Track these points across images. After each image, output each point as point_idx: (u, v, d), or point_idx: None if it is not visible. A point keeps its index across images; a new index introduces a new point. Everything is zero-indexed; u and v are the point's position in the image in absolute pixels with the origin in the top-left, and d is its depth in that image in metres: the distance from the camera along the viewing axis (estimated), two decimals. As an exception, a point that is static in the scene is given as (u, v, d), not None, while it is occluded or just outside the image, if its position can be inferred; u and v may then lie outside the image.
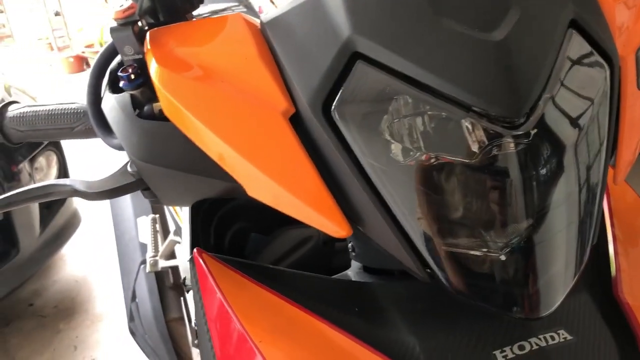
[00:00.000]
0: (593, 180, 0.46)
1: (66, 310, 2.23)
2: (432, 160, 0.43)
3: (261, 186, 0.46)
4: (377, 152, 0.43)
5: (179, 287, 1.47)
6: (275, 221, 0.83)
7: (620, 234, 0.57)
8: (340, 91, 0.42)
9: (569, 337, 0.48)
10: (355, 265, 0.59)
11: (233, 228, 0.83)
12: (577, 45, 0.45)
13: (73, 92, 5.22)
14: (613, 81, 0.47)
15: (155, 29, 0.51)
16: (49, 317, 2.21)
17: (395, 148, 0.43)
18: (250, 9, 1.73)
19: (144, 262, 1.55)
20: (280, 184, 0.45)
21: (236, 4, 1.64)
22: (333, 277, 0.56)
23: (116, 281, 1.73)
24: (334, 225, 0.45)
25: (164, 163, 0.48)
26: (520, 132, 0.40)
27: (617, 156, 0.49)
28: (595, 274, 0.54)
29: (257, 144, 0.45)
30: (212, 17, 0.50)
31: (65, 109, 0.58)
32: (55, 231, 2.10)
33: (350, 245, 0.59)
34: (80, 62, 5.69)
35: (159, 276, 1.48)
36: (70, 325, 2.14)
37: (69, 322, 2.16)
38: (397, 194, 0.44)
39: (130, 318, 1.49)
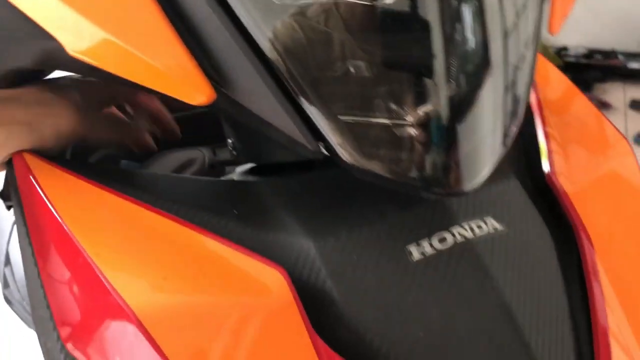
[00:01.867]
0: (523, 33, 0.36)
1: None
2: (328, 3, 0.31)
3: (86, 37, 0.33)
4: None
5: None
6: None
7: (551, 118, 0.48)
8: None
9: (498, 227, 0.39)
10: (240, 168, 0.47)
11: (96, 155, 0.68)
12: None
13: None
14: None
15: None
16: None
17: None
18: None
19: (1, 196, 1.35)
20: (112, 32, 0.32)
21: None
22: (207, 178, 0.43)
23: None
24: (189, 88, 0.33)
25: None
26: None
27: (552, 4, 0.39)
28: (525, 159, 0.46)
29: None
30: None
31: None
32: None
33: (230, 142, 0.47)
34: None
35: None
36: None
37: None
38: (283, 49, 0.32)
39: (5, 284, 1.31)
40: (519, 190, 0.42)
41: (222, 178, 0.46)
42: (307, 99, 0.33)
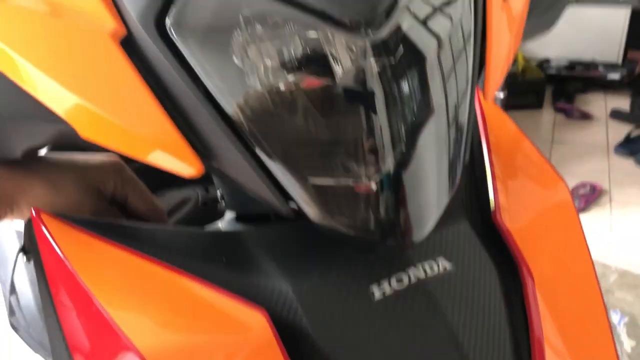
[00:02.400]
0: (461, 98, 0.43)
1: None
2: (289, 84, 0.38)
3: (93, 123, 0.40)
4: (224, 73, 0.38)
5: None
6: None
7: (498, 162, 0.55)
8: (175, 2, 0.36)
9: (448, 267, 0.46)
10: (227, 215, 0.54)
11: None
12: None
13: None
14: None
15: None
16: None
17: (247, 70, 0.38)
18: None
19: (22, 250, 1.42)
20: (114, 117, 0.39)
21: None
22: (198, 228, 0.50)
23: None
24: (182, 163, 0.40)
25: None
26: (376, 39, 0.36)
27: (486, 72, 0.46)
28: (474, 202, 0.52)
29: (83, 72, 0.38)
30: None
31: None
32: None
33: (219, 193, 0.53)
34: None
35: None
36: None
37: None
38: (250, 121, 0.39)
39: (11, 312, 1.36)
40: (468, 230, 0.49)
41: (211, 229, 0.52)
42: (275, 166, 0.40)
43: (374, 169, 0.40)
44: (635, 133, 2.75)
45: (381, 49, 0.37)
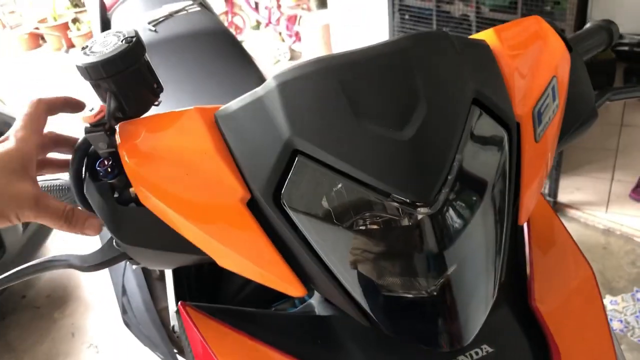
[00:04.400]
0: (499, 229, 0.56)
1: (59, 299, 2.33)
2: (362, 229, 0.52)
3: (229, 259, 0.56)
4: (319, 229, 0.53)
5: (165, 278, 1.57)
6: None
7: (536, 250, 0.68)
8: (286, 183, 0.52)
9: (490, 350, 0.59)
10: (317, 294, 0.69)
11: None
12: (479, 121, 0.54)
13: (32, 70, 5.13)
14: (511, 142, 0.57)
15: (123, 123, 0.59)
16: (43, 307, 2.31)
17: (334, 222, 0.53)
18: (205, 7, 1.76)
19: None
20: (244, 257, 0.55)
21: (190, 3, 1.67)
22: (298, 311, 0.66)
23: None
24: (291, 288, 0.55)
25: (145, 244, 0.57)
26: (430, 211, 0.50)
27: (520, 202, 0.59)
28: (514, 286, 0.65)
29: (221, 226, 0.54)
30: (171, 112, 0.58)
31: (50, 185, 0.67)
32: (36, 227, 2.17)
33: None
34: (36, 38, 5.55)
35: (145, 270, 1.58)
36: (65, 314, 2.25)
37: (63, 310, 2.27)
38: (335, 259, 0.54)
39: (123, 311, 1.59)
40: (507, 314, 0.62)
41: (308, 312, 0.67)
42: (357, 294, 0.55)
43: (429, 290, 0.54)
44: None
45: (432, 217, 0.51)
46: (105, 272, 1.73)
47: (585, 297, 0.66)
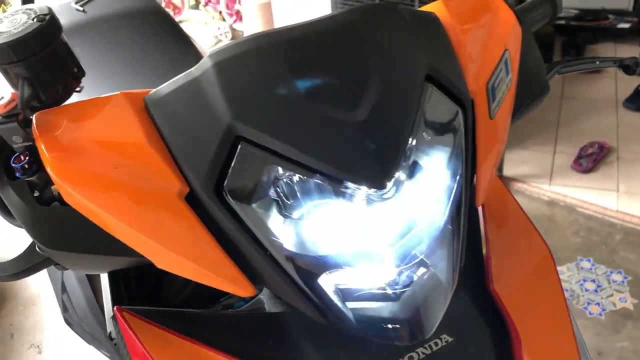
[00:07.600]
0: (456, 212, 0.53)
1: (-6, 299, 2.21)
2: (313, 219, 0.49)
3: (168, 260, 0.51)
4: (267, 222, 0.48)
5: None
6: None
7: (491, 230, 0.65)
8: (229, 173, 0.47)
9: (450, 340, 0.57)
10: (266, 290, 0.65)
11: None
12: (432, 99, 0.50)
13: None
14: (466, 119, 0.54)
15: (41, 112, 0.52)
16: (-23, 308, 2.18)
17: (282, 214, 0.48)
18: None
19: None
20: (184, 257, 0.50)
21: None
22: (247, 308, 0.62)
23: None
24: (238, 288, 0.51)
25: (71, 248, 0.51)
26: (385, 197, 0.46)
27: (477, 182, 0.56)
28: (471, 270, 0.63)
29: (157, 224, 0.49)
30: (95, 98, 0.52)
31: None
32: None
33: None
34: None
35: (86, 264, 1.50)
36: (1, 313, 2.13)
37: (0, 309, 2.15)
38: (286, 253, 0.50)
39: (64, 309, 1.51)
40: (466, 300, 0.60)
41: (258, 309, 0.63)
42: (309, 285, 0.51)
43: (386, 285, 0.50)
44: (644, 86, 2.77)
45: (387, 203, 0.47)
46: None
47: (542, 278, 0.64)
